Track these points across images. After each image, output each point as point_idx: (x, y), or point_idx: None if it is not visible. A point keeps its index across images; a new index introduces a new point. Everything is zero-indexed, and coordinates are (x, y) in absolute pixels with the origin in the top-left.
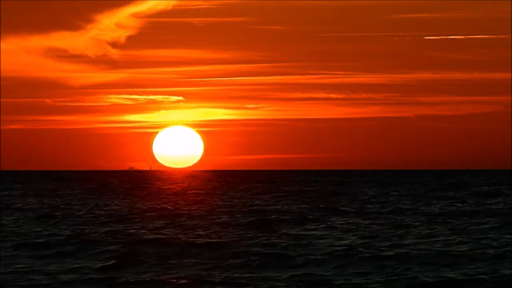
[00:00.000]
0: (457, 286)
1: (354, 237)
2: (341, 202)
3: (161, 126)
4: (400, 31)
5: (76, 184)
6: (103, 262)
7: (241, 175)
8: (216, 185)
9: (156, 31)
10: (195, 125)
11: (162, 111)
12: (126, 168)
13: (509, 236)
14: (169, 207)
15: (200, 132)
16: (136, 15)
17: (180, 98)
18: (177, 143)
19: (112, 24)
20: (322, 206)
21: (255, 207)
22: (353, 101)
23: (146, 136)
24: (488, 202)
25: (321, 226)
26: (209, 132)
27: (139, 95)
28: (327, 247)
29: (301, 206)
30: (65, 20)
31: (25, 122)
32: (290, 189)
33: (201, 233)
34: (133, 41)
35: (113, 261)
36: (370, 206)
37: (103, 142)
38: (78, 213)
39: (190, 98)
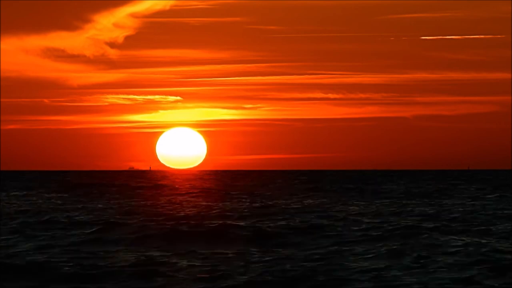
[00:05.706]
0: None
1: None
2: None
3: (160, 126)
4: (396, 31)
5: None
6: None
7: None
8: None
9: (154, 31)
10: (194, 125)
11: (160, 111)
12: (125, 168)
13: None
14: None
15: (200, 133)
16: (133, 15)
17: (178, 98)
18: (181, 143)
19: (110, 24)
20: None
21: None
22: (351, 101)
23: (144, 136)
24: None
25: None
26: (208, 132)
27: (137, 95)
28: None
29: None
30: (63, 20)
31: (23, 122)
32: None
33: None
34: (131, 41)
35: None
36: None
37: (102, 142)
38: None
39: (188, 98)
